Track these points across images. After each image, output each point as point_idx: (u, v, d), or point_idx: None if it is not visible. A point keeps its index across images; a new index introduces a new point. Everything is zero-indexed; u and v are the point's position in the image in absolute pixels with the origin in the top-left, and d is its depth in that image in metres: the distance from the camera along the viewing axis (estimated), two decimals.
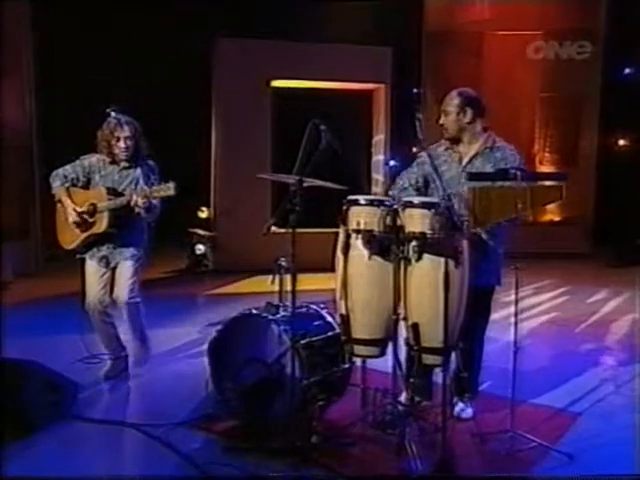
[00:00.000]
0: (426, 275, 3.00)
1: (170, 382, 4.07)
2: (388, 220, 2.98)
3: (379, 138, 8.56)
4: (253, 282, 7.38)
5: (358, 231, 3.02)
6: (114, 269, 3.94)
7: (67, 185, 3.89)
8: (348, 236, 3.10)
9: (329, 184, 3.22)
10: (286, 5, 7.84)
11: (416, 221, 2.92)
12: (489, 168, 3.36)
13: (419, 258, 2.98)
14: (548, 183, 3.17)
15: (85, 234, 3.85)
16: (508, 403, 3.53)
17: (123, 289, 3.88)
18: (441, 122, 3.46)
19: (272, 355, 3.22)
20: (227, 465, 2.95)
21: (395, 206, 3.00)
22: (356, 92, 8.44)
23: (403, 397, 3.37)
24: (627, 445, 3.21)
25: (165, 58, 8.05)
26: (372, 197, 3.05)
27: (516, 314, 3.21)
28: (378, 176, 8.61)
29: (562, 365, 4.51)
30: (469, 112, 3.41)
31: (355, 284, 3.12)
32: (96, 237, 3.86)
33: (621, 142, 10.22)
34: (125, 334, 4.06)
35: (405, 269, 3.03)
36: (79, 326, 4.96)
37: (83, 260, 3.95)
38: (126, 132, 3.83)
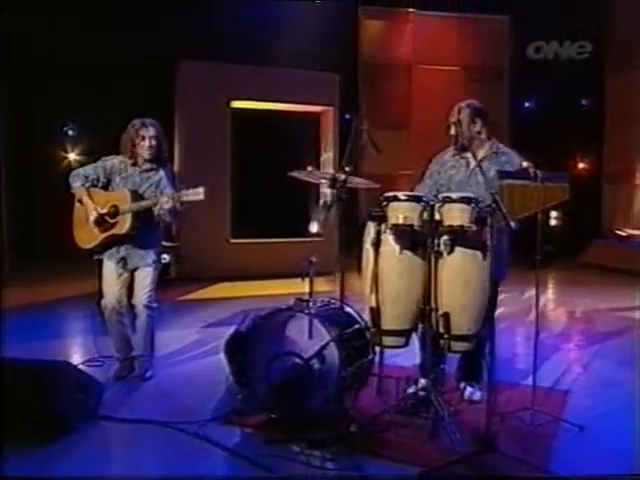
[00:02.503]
0: (458, 267, 2.90)
1: (183, 382, 3.72)
2: (425, 215, 2.86)
3: (327, 156, 8.50)
4: (220, 288, 7.23)
5: (397, 225, 2.87)
6: (132, 272, 3.59)
7: (87, 185, 3.52)
8: (379, 232, 2.97)
9: (364, 182, 3.07)
10: (246, 31, 7.66)
11: (455, 215, 2.82)
12: (495, 170, 3.33)
13: (451, 251, 2.89)
14: (555, 184, 3.17)
15: (105, 234, 3.48)
16: (503, 386, 3.55)
17: (143, 294, 3.56)
18: (452, 132, 3.39)
19: (308, 348, 3.00)
20: (277, 457, 2.69)
21: (432, 202, 2.89)
22: (307, 113, 8.38)
23: (425, 383, 3.24)
24: (615, 416, 3.30)
25: (130, 74, 7.62)
26: (410, 193, 2.91)
27: (537, 304, 3.19)
28: (326, 190, 8.52)
29: (530, 351, 4.54)
30: (479, 122, 3.38)
31: (387, 278, 2.97)
32: (116, 238, 3.49)
33: (524, 164, 10.74)
34: (137, 338, 3.68)
35: (436, 262, 2.92)
36: (65, 331, 4.48)
37: (100, 262, 3.58)
38: (151, 132, 3.53)
